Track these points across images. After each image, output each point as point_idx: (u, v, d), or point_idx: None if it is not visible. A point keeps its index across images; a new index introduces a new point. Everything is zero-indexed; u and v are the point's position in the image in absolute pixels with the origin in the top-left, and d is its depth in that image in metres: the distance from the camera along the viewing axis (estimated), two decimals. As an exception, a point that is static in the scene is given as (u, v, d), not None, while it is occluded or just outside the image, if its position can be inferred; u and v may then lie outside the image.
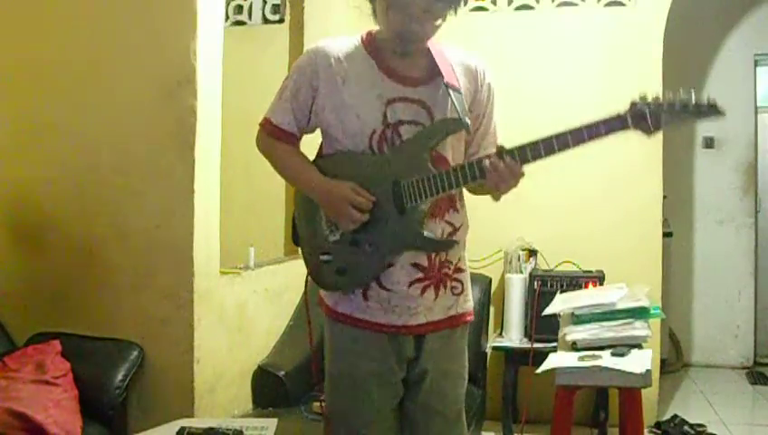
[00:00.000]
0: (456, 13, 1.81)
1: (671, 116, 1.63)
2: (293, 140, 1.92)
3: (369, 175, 1.81)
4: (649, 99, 1.64)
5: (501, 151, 1.73)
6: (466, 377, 2.01)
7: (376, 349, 1.87)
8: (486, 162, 1.73)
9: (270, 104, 1.93)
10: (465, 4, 1.83)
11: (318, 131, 1.93)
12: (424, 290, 1.85)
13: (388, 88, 1.82)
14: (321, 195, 1.85)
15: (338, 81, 1.83)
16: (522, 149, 1.71)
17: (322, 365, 1.97)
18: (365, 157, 1.82)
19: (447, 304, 1.91)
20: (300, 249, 2.01)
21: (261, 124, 1.94)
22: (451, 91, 1.80)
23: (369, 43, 1.87)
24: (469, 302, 1.99)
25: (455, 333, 1.95)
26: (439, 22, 1.79)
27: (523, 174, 1.73)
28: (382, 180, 1.80)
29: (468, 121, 1.80)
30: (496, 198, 1.87)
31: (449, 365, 1.94)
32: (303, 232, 1.96)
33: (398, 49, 1.81)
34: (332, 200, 1.81)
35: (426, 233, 1.80)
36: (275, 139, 1.92)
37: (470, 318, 1.98)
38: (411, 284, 1.84)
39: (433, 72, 1.84)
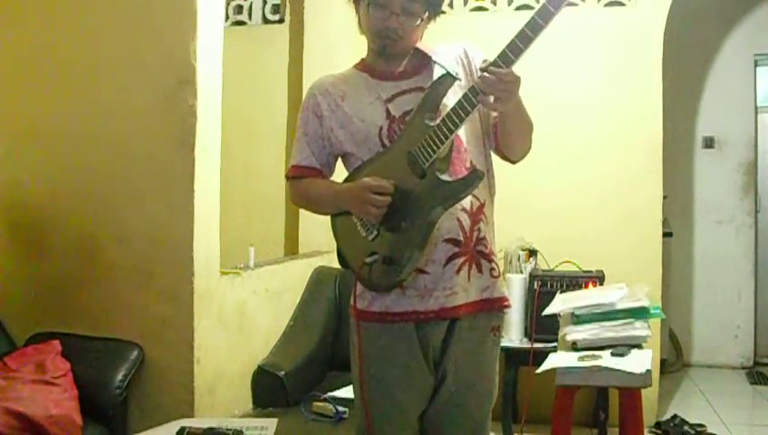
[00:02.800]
0: (434, 17, 1.90)
1: None
2: (316, 174, 1.96)
3: (386, 162, 1.84)
4: None
5: (484, 67, 1.71)
6: (495, 393, 1.98)
7: (405, 350, 1.86)
8: (477, 83, 1.71)
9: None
10: (440, 8, 1.90)
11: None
12: (459, 268, 1.85)
13: (384, 89, 1.90)
14: (345, 198, 1.87)
15: (337, 100, 1.93)
16: (501, 53, 1.70)
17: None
18: (379, 154, 1.86)
19: (484, 284, 1.90)
20: (351, 270, 1.95)
21: (286, 176, 2.01)
22: (436, 64, 1.84)
23: (360, 64, 1.99)
24: (505, 289, 1.97)
25: (486, 340, 1.92)
26: (419, 22, 1.86)
27: (518, 78, 1.71)
28: (398, 161, 1.81)
29: (458, 74, 1.82)
30: (513, 121, 1.83)
31: (475, 378, 1.92)
32: (348, 252, 1.94)
33: (381, 49, 1.88)
34: (355, 196, 1.83)
35: (446, 178, 1.77)
36: (299, 178, 1.97)
37: (507, 304, 1.95)
38: (447, 262, 1.83)
39: (424, 63, 1.90)
